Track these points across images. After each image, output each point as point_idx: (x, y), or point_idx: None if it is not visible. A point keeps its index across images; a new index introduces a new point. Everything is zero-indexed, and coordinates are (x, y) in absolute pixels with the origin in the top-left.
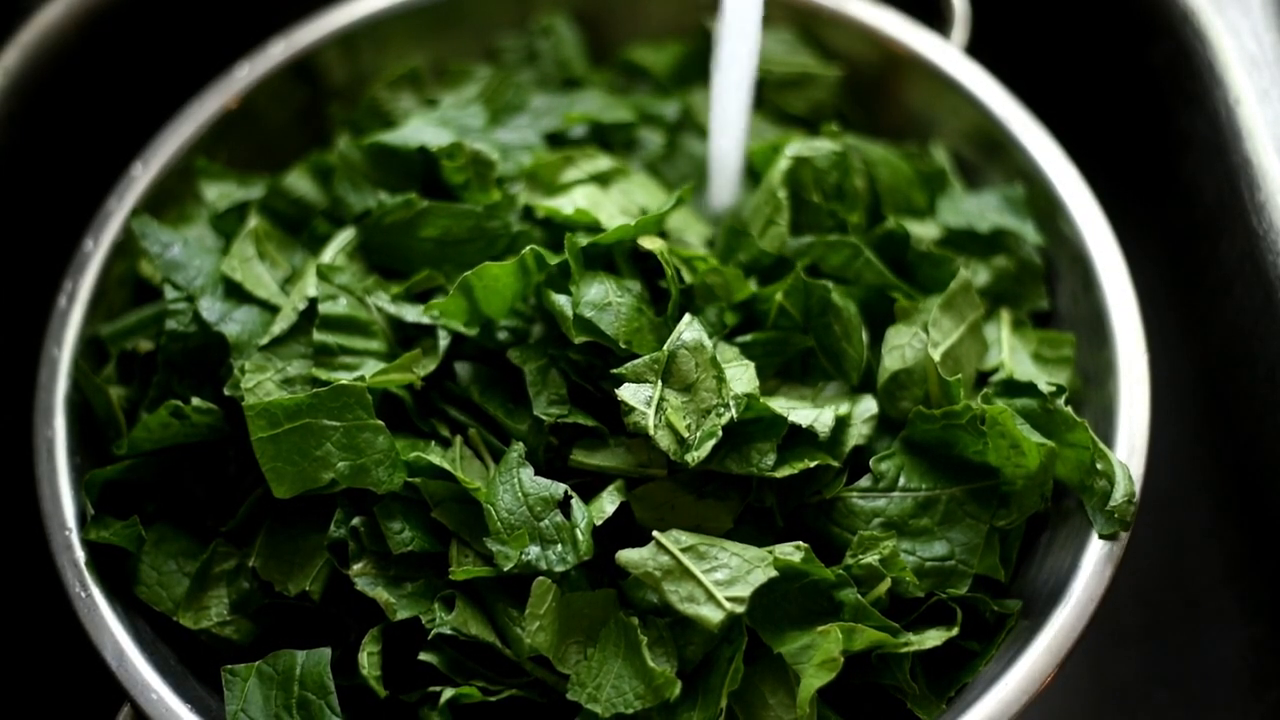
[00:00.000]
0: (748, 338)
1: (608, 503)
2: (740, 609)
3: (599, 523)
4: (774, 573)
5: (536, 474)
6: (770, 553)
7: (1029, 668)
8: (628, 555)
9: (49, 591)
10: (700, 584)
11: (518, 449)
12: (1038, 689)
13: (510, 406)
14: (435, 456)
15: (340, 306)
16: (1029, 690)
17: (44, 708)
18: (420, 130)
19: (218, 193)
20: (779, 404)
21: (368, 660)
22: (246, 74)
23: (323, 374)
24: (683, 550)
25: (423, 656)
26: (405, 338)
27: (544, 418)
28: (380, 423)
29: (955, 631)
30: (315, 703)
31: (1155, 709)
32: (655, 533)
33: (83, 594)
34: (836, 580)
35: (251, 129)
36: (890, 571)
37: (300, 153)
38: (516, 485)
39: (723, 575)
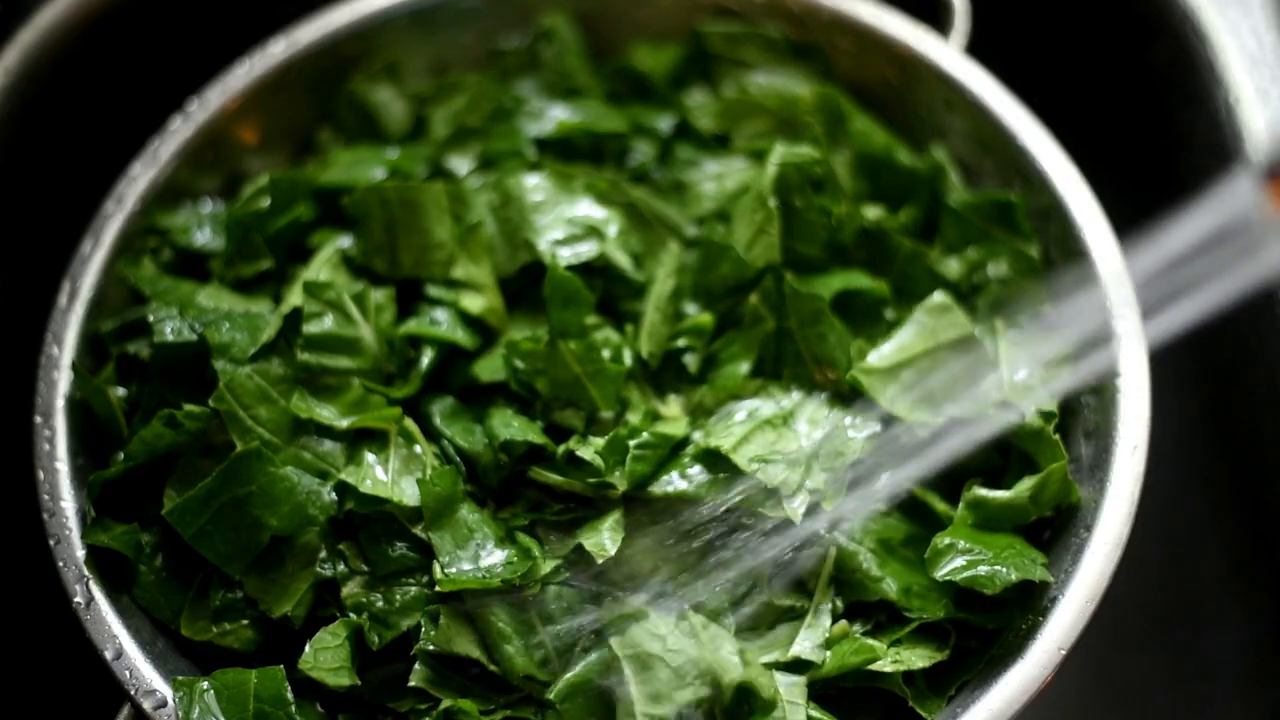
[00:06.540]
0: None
1: (609, 541)
2: None
3: (601, 561)
4: (704, 692)
5: (497, 493)
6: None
7: (1029, 668)
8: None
9: (49, 591)
10: (631, 707)
11: (456, 488)
12: (1038, 689)
13: (468, 427)
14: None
15: (326, 325)
16: (1029, 690)
17: (44, 708)
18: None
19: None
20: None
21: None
22: (246, 74)
23: (302, 409)
24: (629, 657)
25: (413, 682)
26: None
27: (496, 436)
28: (287, 468)
29: (946, 655)
30: (274, 713)
31: (1155, 709)
32: (611, 641)
33: (83, 594)
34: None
35: (251, 129)
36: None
37: (300, 153)
38: (463, 527)
39: (651, 689)
